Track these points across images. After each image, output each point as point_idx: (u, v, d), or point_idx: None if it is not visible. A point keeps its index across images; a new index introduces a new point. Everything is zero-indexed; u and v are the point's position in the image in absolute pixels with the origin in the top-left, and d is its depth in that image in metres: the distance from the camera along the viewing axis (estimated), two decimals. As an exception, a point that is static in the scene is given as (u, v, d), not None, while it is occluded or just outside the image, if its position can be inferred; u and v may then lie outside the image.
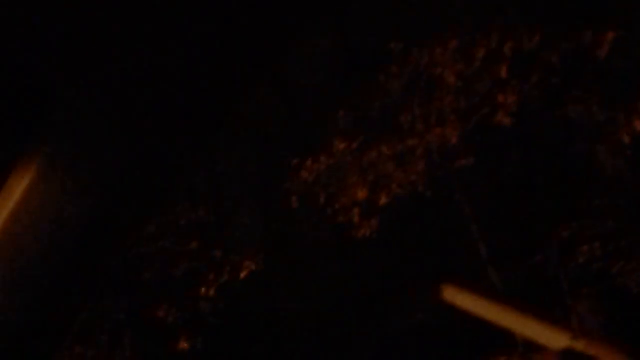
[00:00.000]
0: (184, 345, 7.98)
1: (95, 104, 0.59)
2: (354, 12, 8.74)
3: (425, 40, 7.85)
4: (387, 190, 7.92)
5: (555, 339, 0.91)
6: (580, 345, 0.88)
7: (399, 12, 8.29)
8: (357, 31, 8.82)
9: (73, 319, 0.63)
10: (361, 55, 8.60)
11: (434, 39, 7.82)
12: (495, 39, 7.69)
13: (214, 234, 8.40)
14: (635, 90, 7.29)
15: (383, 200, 7.89)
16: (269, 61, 0.61)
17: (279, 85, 8.99)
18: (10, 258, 0.59)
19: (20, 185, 0.59)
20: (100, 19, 0.54)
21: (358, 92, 8.18)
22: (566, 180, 7.98)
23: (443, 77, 7.88)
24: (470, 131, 7.90)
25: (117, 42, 0.55)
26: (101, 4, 0.54)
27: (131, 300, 8.23)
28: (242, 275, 8.08)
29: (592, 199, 7.66)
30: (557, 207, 7.84)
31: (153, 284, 8.22)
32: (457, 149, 7.92)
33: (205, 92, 0.60)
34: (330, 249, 8.92)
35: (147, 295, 8.20)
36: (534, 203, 8.01)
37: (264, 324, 8.80)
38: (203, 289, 8.09)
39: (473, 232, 8.02)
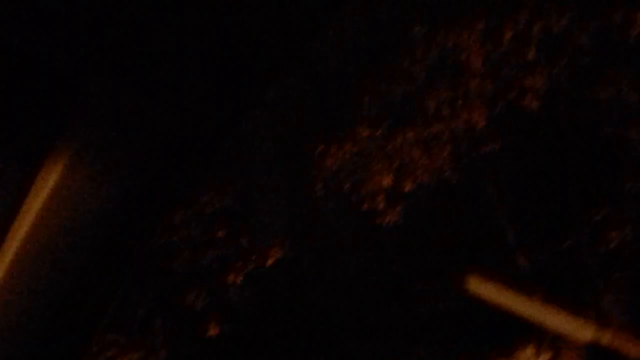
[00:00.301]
0: (213, 331, 8.10)
1: (123, 93, 0.59)
2: (377, -4, 8.64)
3: (450, 23, 7.73)
4: (412, 176, 7.87)
5: (580, 331, 0.88)
6: (605, 338, 0.86)
7: (423, -5, 8.16)
8: (381, 16, 8.72)
9: (106, 307, 0.65)
10: (385, 40, 8.51)
11: (459, 22, 7.70)
12: (522, 21, 7.54)
13: (240, 223, 8.47)
14: (668, 71, 7.08)
15: (408, 186, 7.85)
16: (295, 48, 0.60)
17: (302, 72, 8.96)
18: (44, 247, 0.61)
19: (51, 177, 0.60)
20: (128, 7, 0.54)
21: (382, 78, 8.11)
22: (596, 164, 7.82)
23: (469, 61, 7.76)
24: (497, 115, 7.79)
25: (145, 31, 0.55)
26: None
27: (161, 287, 8.37)
28: (269, 262, 8.15)
29: (623, 183, 7.50)
30: (587, 191, 7.70)
31: (182, 272, 8.34)
32: (483, 134, 7.82)
33: (231, 79, 0.59)
34: (356, 236, 8.92)
35: (176, 282, 8.33)
36: (563, 187, 7.87)
37: (290, 311, 8.87)
38: (231, 277, 8.18)
39: (500, 217, 7.93)
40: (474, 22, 7.69)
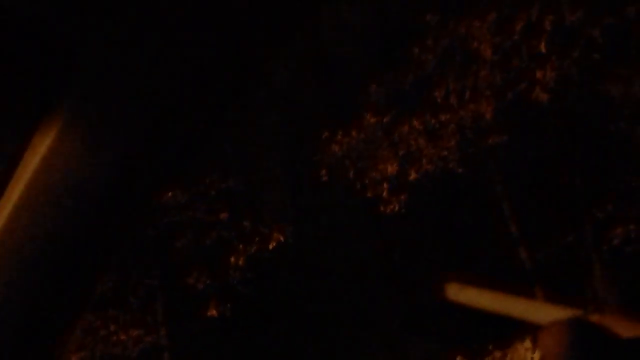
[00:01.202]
0: (212, 311, 8.16)
1: (118, 61, 0.58)
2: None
3: (462, 12, 7.65)
4: (417, 165, 7.85)
5: (566, 315, 0.87)
6: (594, 318, 0.85)
7: (436, -18, 8.07)
8: (391, 3, 8.64)
9: (98, 277, 0.63)
10: (395, 27, 8.44)
11: (471, 11, 7.62)
12: (535, 12, 7.45)
13: (243, 205, 8.48)
14: (680, 68, 6.98)
15: (413, 175, 7.83)
16: (297, 24, 0.59)
17: (311, 58, 8.92)
18: (35, 213, 0.60)
19: (43, 144, 0.60)
20: None
21: (391, 66, 8.06)
22: (603, 160, 7.76)
23: (479, 51, 7.69)
24: (505, 107, 7.73)
25: None
26: None
27: (163, 267, 8.43)
28: (271, 246, 8.17)
29: (629, 180, 7.44)
30: (593, 187, 7.64)
31: (184, 252, 8.39)
32: (490, 125, 7.76)
33: (231, 53, 0.59)
34: (359, 223, 8.92)
35: (178, 262, 8.38)
36: (569, 182, 7.82)
37: (290, 294, 8.91)
38: (232, 259, 8.22)
39: (504, 210, 7.90)
40: (486, 12, 7.60)
